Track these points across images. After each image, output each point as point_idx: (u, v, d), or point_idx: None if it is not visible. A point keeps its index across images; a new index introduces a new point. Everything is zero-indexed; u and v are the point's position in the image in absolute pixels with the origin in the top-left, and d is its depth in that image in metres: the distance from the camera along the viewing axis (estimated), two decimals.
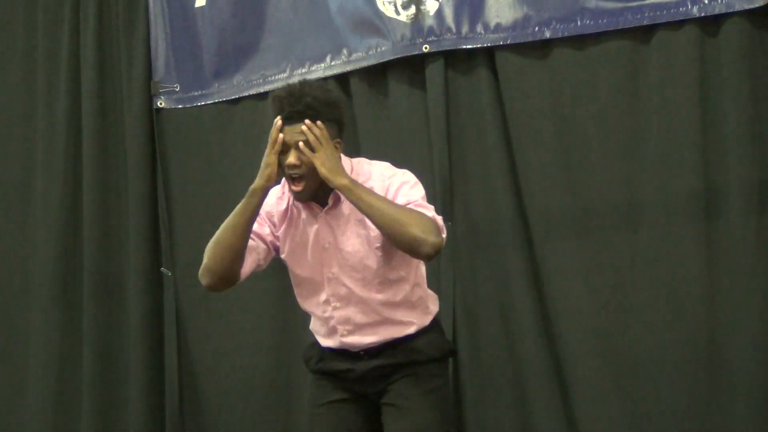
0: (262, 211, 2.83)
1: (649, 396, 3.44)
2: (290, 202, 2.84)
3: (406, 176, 2.79)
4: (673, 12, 3.41)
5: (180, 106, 4.27)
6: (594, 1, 3.51)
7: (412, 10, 3.75)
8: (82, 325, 4.34)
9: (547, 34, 3.59)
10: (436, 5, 3.71)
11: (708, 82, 3.41)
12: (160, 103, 4.29)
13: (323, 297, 2.83)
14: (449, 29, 3.70)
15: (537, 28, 3.60)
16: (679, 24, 3.42)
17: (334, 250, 2.78)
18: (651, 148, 3.47)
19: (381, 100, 3.87)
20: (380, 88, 3.87)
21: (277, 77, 4.00)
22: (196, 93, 4.24)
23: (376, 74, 3.86)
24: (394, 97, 3.84)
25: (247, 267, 2.81)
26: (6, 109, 4.59)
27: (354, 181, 2.67)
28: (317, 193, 2.75)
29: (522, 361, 3.59)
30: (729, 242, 3.36)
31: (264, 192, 2.72)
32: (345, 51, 3.89)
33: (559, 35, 3.57)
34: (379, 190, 2.72)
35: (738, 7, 3.33)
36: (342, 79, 3.90)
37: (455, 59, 3.74)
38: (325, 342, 2.90)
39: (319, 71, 3.92)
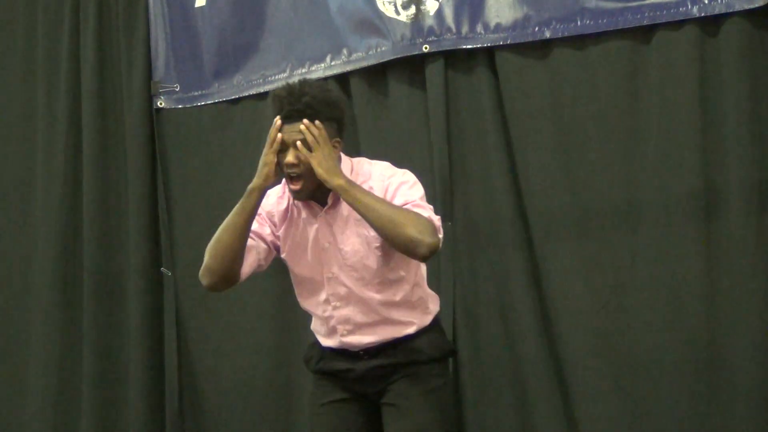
0: (263, 210, 2.83)
1: (649, 396, 3.44)
2: (291, 202, 2.84)
3: (406, 176, 2.78)
4: (673, 12, 3.41)
5: (180, 106, 4.27)
6: (594, 1, 3.51)
7: (412, 10, 3.75)
8: (82, 325, 4.34)
9: (547, 34, 3.59)
10: (436, 5, 3.71)
11: (708, 82, 3.41)
12: (160, 103, 4.29)
13: (323, 296, 2.83)
14: (449, 29, 3.70)
15: (537, 28, 3.60)
16: (679, 24, 3.42)
17: (334, 250, 2.79)
18: (651, 148, 3.47)
19: (381, 100, 3.87)
20: (380, 88, 3.87)
21: (277, 77, 4.00)
22: (196, 93, 4.24)
23: (376, 74, 3.86)
24: (394, 97, 3.84)
25: (248, 267, 2.81)
26: (6, 109, 4.59)
27: (350, 182, 2.68)
28: (316, 193, 2.75)
29: (522, 361, 3.59)
30: (729, 242, 3.36)
31: (262, 191, 2.72)
32: (345, 51, 3.89)
33: (559, 35, 3.57)
34: (378, 190, 2.73)
35: (738, 7, 3.33)
36: (342, 79, 3.90)
37: (455, 59, 3.74)
38: (326, 342, 2.90)
39: (319, 71, 3.92)
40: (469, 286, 3.71)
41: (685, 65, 3.42)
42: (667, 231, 3.44)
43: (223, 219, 2.77)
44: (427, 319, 2.88)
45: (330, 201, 2.77)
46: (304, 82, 2.74)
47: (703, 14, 3.37)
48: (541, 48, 3.62)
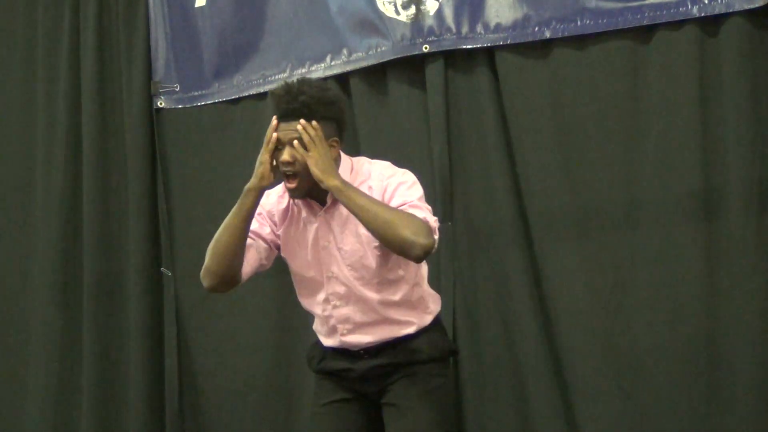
0: (263, 210, 2.84)
1: (649, 396, 3.44)
2: (291, 201, 2.84)
3: (405, 176, 2.79)
4: (673, 12, 3.41)
5: (180, 106, 4.27)
6: (594, 1, 3.51)
7: (412, 10, 3.75)
8: (82, 325, 4.33)
9: (547, 34, 3.59)
10: (436, 5, 3.71)
11: (708, 82, 3.40)
12: (160, 103, 4.29)
13: (323, 296, 2.83)
14: (449, 29, 3.70)
15: (537, 28, 3.59)
16: (679, 24, 3.42)
17: (333, 249, 2.79)
18: (651, 148, 3.47)
19: (381, 100, 3.87)
20: (380, 88, 3.87)
21: (277, 77, 4.00)
22: (196, 93, 4.24)
23: (376, 74, 3.86)
24: (394, 97, 3.84)
25: (248, 267, 2.82)
26: (6, 109, 4.59)
27: (346, 183, 2.68)
28: (315, 192, 2.75)
29: (522, 361, 3.59)
30: (729, 242, 3.36)
31: (258, 191, 2.72)
32: (345, 51, 3.89)
33: (559, 35, 3.57)
34: (377, 190, 2.73)
35: (738, 7, 3.32)
36: (342, 79, 3.90)
37: (455, 59, 3.74)
38: (327, 341, 2.90)
39: (319, 71, 3.92)
40: (469, 286, 3.70)
41: (685, 65, 3.42)
42: (667, 231, 3.44)
43: (222, 219, 2.78)
44: (428, 319, 2.88)
45: (329, 200, 2.77)
46: (302, 81, 2.75)
47: (703, 14, 3.37)
48: (541, 48, 3.62)
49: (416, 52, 3.74)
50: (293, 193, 2.75)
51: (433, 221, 2.69)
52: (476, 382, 3.66)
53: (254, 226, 2.81)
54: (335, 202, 2.75)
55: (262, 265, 2.87)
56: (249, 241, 2.80)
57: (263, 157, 2.70)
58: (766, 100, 3.35)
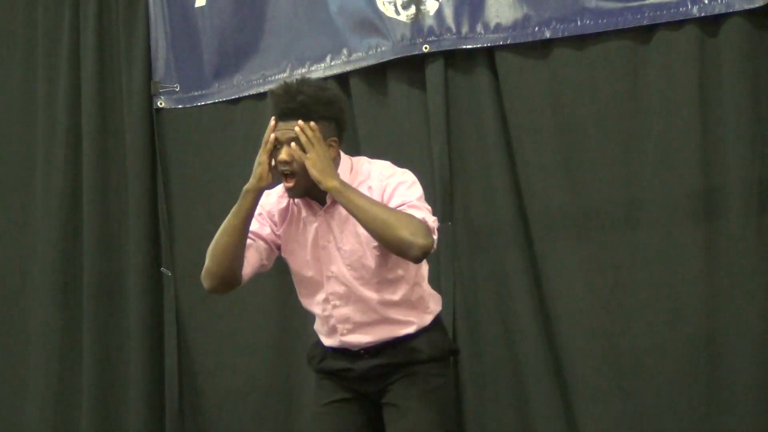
0: (263, 210, 2.84)
1: (649, 396, 3.44)
2: (291, 201, 2.84)
3: (405, 176, 2.78)
4: (673, 12, 3.41)
5: (180, 106, 4.27)
6: (594, 1, 3.51)
7: (412, 10, 3.75)
8: (82, 325, 4.33)
9: (547, 34, 3.59)
10: (436, 5, 3.71)
11: (708, 82, 3.40)
12: (160, 103, 4.29)
13: (323, 295, 2.83)
14: (449, 29, 3.70)
15: (537, 28, 3.59)
16: (679, 24, 3.42)
17: (333, 249, 2.79)
18: (651, 148, 3.47)
19: (381, 100, 3.87)
20: (380, 88, 3.87)
21: (277, 77, 3.99)
22: (196, 93, 4.24)
23: (376, 74, 3.86)
24: (394, 97, 3.84)
25: (249, 268, 2.82)
26: (6, 109, 4.59)
27: (344, 183, 2.68)
28: (315, 192, 2.75)
29: (522, 361, 3.59)
30: (729, 242, 3.36)
31: (257, 192, 2.72)
32: (345, 51, 3.89)
33: (559, 35, 3.57)
34: (376, 190, 2.73)
35: (738, 7, 3.32)
36: (342, 79, 3.90)
37: (455, 59, 3.74)
38: (327, 341, 2.91)
39: (319, 71, 3.92)
40: (469, 286, 3.70)
41: (685, 65, 3.42)
42: (667, 231, 3.44)
43: (222, 219, 2.78)
44: (428, 319, 2.88)
45: (329, 200, 2.77)
46: (302, 81, 2.75)
47: (703, 14, 3.37)
48: (541, 48, 3.62)
49: (416, 52, 3.74)
50: (291, 193, 2.76)
51: (432, 221, 2.69)
52: (476, 382, 3.66)
53: (254, 226, 2.81)
54: (335, 202, 2.75)
55: (262, 266, 2.87)
56: (249, 241, 2.80)
57: (261, 157, 2.70)
58: (766, 100, 3.35)
